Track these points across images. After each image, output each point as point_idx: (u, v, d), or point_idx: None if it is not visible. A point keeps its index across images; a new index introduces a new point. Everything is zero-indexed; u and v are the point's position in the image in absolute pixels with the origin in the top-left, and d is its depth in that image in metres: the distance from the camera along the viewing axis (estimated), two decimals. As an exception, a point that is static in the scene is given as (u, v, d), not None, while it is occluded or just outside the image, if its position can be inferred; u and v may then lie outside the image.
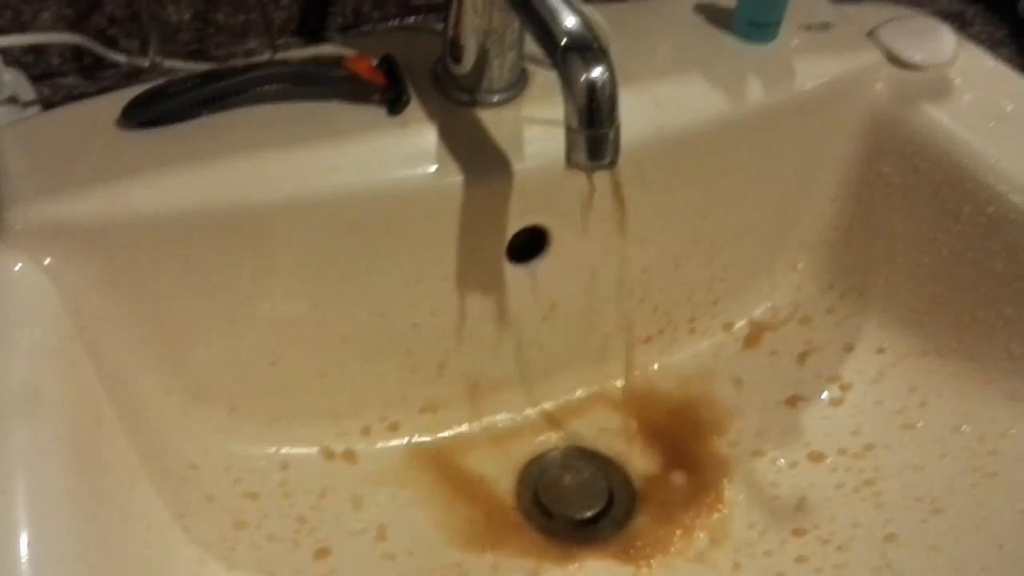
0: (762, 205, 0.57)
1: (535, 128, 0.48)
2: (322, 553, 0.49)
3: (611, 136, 0.38)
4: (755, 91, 0.52)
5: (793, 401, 0.57)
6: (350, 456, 0.53)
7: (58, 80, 0.58)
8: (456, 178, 0.47)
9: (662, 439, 0.56)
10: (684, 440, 0.56)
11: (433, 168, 0.47)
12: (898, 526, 0.50)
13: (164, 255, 0.44)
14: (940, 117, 0.54)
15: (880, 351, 0.57)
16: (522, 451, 0.55)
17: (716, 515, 0.52)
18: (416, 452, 0.54)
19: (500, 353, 0.55)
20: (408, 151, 0.47)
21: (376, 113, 0.48)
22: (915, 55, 0.56)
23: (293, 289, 0.48)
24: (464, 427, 0.55)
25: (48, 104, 0.56)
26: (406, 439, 0.54)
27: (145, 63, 0.57)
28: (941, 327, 0.55)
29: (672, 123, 0.50)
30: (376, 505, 0.51)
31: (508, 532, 0.51)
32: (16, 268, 0.41)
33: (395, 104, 0.48)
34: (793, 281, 0.61)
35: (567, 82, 0.37)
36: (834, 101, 0.55)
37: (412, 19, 0.65)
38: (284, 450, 0.52)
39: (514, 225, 0.50)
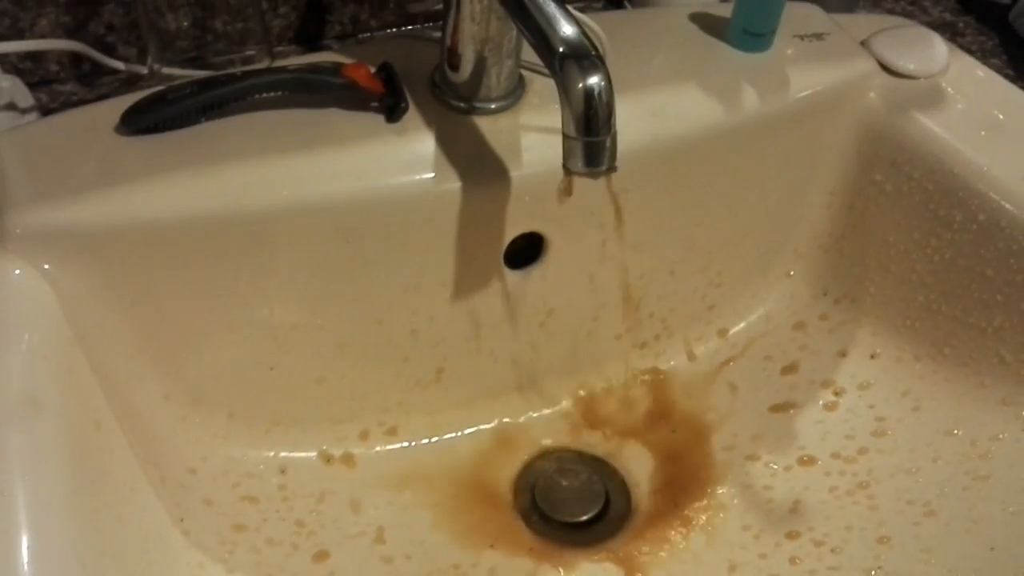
0: (756, 212, 0.58)
1: (532, 135, 0.49)
2: (321, 556, 0.49)
3: (608, 143, 0.38)
4: (750, 100, 0.53)
5: (787, 406, 0.57)
6: (348, 460, 0.53)
7: (56, 87, 0.58)
8: (454, 185, 0.47)
9: (658, 443, 0.56)
10: (679, 444, 0.56)
11: (431, 175, 0.47)
12: (891, 529, 0.51)
13: (163, 261, 0.45)
14: (932, 126, 0.54)
15: (873, 356, 0.58)
16: (519, 455, 0.55)
17: (711, 518, 0.53)
18: (414, 456, 0.54)
19: (497, 359, 0.55)
20: (406, 158, 0.47)
21: (374, 120, 0.48)
22: (908, 64, 0.56)
23: (291, 295, 0.48)
24: (462, 432, 0.56)
25: (46, 111, 0.56)
26: (404, 443, 0.54)
27: (143, 70, 0.57)
28: (933, 333, 0.55)
29: (667, 131, 0.51)
30: (374, 508, 0.51)
31: (505, 535, 0.51)
32: (15, 273, 0.41)
33: (393, 111, 0.48)
34: (787, 288, 0.61)
35: (564, 90, 0.37)
36: (828, 110, 0.55)
37: (409, 28, 0.65)
38: (283, 454, 0.52)
39: (511, 231, 0.50)
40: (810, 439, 0.56)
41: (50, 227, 0.42)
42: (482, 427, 0.56)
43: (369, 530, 0.50)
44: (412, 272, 0.49)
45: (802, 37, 0.57)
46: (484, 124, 0.49)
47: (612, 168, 0.39)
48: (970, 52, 0.62)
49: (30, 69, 0.57)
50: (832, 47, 0.56)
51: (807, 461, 0.55)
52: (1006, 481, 0.50)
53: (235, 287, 0.47)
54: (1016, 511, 0.49)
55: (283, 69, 0.48)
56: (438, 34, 0.49)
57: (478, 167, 0.47)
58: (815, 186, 0.58)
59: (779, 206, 0.58)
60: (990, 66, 0.59)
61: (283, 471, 0.51)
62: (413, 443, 0.54)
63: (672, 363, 0.60)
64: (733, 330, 0.61)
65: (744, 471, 0.55)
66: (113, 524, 0.39)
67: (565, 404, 0.58)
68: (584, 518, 0.53)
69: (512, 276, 0.52)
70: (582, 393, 0.58)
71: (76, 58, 0.58)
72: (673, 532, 0.52)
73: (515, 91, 0.50)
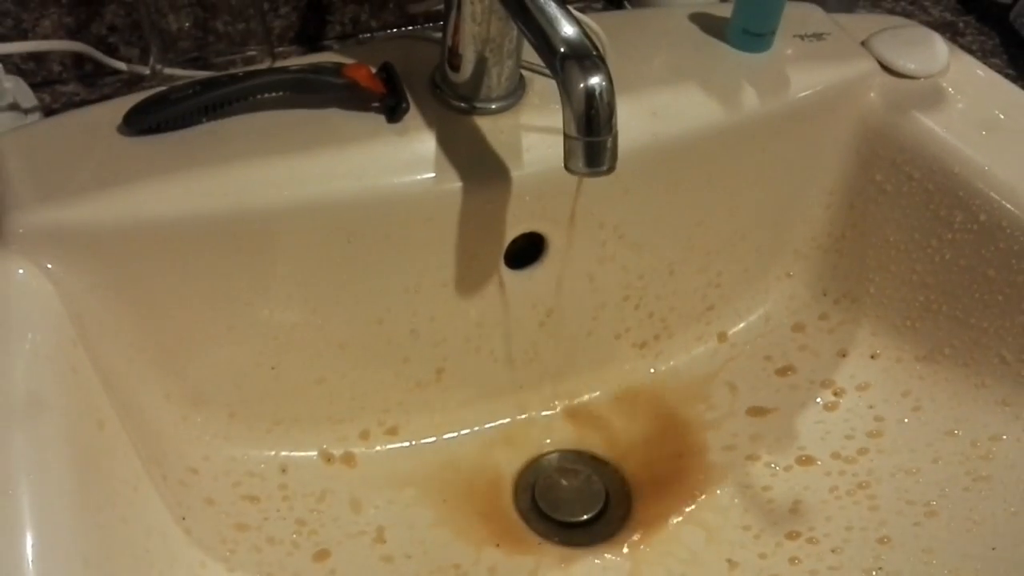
0: (756, 212, 0.58)
1: (533, 136, 0.49)
2: (321, 555, 0.49)
3: (609, 143, 0.38)
4: (750, 100, 0.53)
5: (787, 406, 0.58)
6: (349, 459, 0.53)
7: (58, 88, 0.58)
8: (454, 185, 0.47)
9: (658, 443, 0.57)
10: (679, 444, 0.56)
11: (431, 175, 0.47)
12: (891, 529, 0.51)
13: (165, 260, 0.45)
14: (933, 126, 0.54)
15: (873, 357, 0.58)
16: (520, 455, 0.55)
17: (711, 518, 0.53)
18: (414, 456, 0.54)
19: (497, 359, 0.55)
20: (407, 158, 0.47)
21: (375, 120, 0.48)
22: (908, 64, 0.56)
23: (292, 295, 0.48)
24: (462, 431, 0.56)
25: (49, 111, 0.56)
26: (404, 443, 0.54)
27: (145, 71, 0.57)
28: (934, 333, 0.56)
29: (667, 131, 0.51)
30: (375, 508, 0.51)
31: (506, 534, 0.51)
32: (19, 273, 0.41)
33: (394, 112, 0.48)
34: (787, 288, 0.62)
35: (566, 90, 0.38)
36: (828, 110, 0.56)
37: (410, 28, 0.65)
38: (283, 454, 0.52)
39: (512, 232, 0.50)
40: (810, 439, 0.56)
41: (53, 227, 0.42)
42: (482, 427, 0.56)
43: (369, 529, 0.51)
44: (413, 272, 0.49)
45: (802, 37, 0.57)
46: (485, 124, 0.49)
47: (612, 168, 0.39)
48: (970, 52, 0.62)
49: (33, 70, 0.57)
50: (832, 47, 0.57)
51: (807, 461, 0.55)
52: (1007, 481, 0.51)
53: (236, 286, 0.47)
54: (1017, 511, 0.49)
55: (284, 69, 0.48)
56: (439, 34, 0.49)
57: (479, 167, 0.48)
58: (815, 186, 0.58)
59: (779, 206, 0.59)
60: (990, 66, 0.59)
61: (284, 470, 0.51)
62: (413, 443, 0.55)
63: (672, 363, 0.60)
64: (733, 330, 0.61)
65: (744, 471, 0.55)
66: (115, 522, 0.39)
67: (565, 403, 0.58)
68: (584, 517, 0.53)
69: (512, 276, 0.52)
70: (582, 393, 0.58)
71: (78, 59, 0.58)
72: (673, 531, 0.52)
73: (516, 91, 0.50)
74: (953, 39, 0.68)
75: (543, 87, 0.51)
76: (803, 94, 0.54)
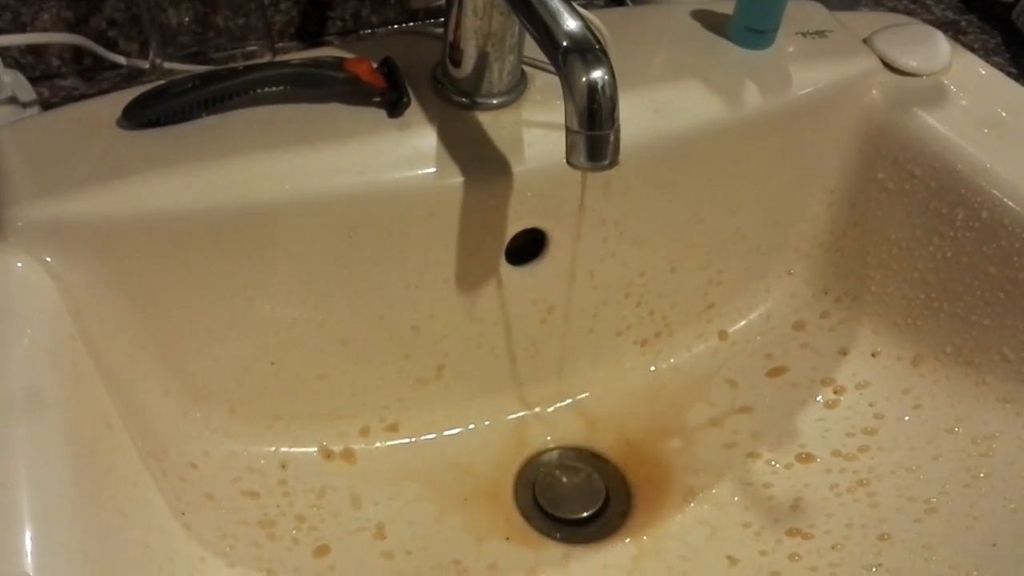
0: (757, 210, 0.58)
1: (534, 131, 0.49)
2: (321, 551, 0.49)
3: (611, 137, 0.38)
4: (751, 97, 0.53)
5: (788, 404, 0.57)
6: (349, 456, 0.53)
7: (57, 82, 0.58)
8: (456, 180, 0.47)
9: (658, 440, 0.56)
10: (680, 441, 0.56)
11: (432, 170, 0.47)
12: (892, 526, 0.51)
13: (164, 255, 0.45)
14: (935, 123, 0.54)
15: (874, 355, 0.58)
16: (520, 452, 0.55)
17: (712, 515, 0.53)
18: (415, 452, 0.54)
19: (498, 355, 0.55)
20: (408, 153, 0.47)
21: (376, 115, 0.48)
22: (910, 62, 0.56)
23: (293, 290, 0.48)
24: (462, 428, 0.56)
25: (47, 105, 0.56)
26: (405, 439, 0.54)
27: (145, 65, 0.57)
28: (935, 331, 0.56)
29: (669, 128, 0.51)
30: (375, 504, 0.51)
31: (506, 532, 0.51)
32: (17, 266, 0.41)
33: (395, 106, 0.48)
34: (788, 286, 0.61)
35: (568, 84, 0.37)
36: (830, 107, 0.55)
37: (411, 23, 0.65)
38: (283, 449, 0.52)
39: (513, 227, 0.50)
40: (811, 437, 0.56)
41: (52, 220, 0.42)
42: (482, 423, 0.56)
43: (369, 525, 0.50)
44: (413, 268, 0.49)
45: (804, 34, 0.57)
46: (486, 119, 0.49)
47: (615, 162, 0.39)
48: (973, 50, 0.62)
49: (31, 63, 0.57)
50: (834, 44, 0.56)
51: (807, 459, 0.55)
52: (1007, 478, 0.51)
53: (237, 281, 0.47)
54: (1017, 508, 0.49)
55: (285, 63, 0.48)
56: (440, 30, 0.49)
57: (480, 163, 0.47)
58: (817, 184, 0.58)
59: (780, 204, 0.58)
60: (993, 64, 0.59)
61: (284, 466, 0.51)
62: (414, 439, 0.54)
63: (672, 360, 0.60)
64: (733, 328, 0.61)
65: (745, 468, 0.55)
66: (115, 517, 0.39)
67: (565, 401, 0.58)
68: (584, 514, 0.53)
69: (513, 272, 0.52)
70: (582, 390, 0.58)
71: (78, 53, 0.58)
72: (673, 529, 0.52)
73: (517, 87, 0.50)
74: (955, 37, 0.68)
75: (545, 83, 0.51)
76: (805, 91, 0.54)
